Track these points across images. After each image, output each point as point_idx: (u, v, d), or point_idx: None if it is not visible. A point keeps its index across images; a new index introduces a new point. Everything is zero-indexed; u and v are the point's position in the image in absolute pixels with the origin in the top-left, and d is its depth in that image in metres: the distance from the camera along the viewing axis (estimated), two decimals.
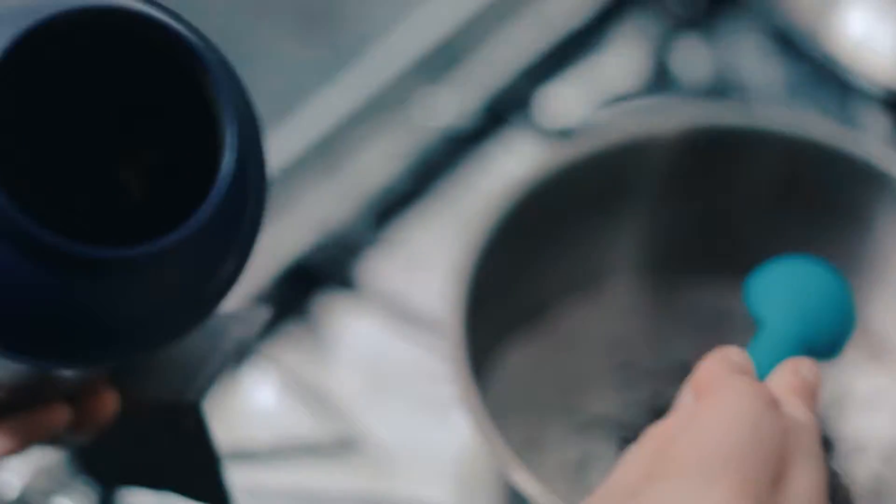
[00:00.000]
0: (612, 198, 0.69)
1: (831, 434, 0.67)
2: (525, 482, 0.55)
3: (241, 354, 0.45)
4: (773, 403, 0.39)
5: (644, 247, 0.71)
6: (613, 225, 0.70)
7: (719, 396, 0.39)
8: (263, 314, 0.56)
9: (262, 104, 0.76)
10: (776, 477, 0.37)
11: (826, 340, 0.50)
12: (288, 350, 0.73)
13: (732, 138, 0.68)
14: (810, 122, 0.77)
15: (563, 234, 0.68)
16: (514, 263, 0.67)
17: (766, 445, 0.37)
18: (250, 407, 0.71)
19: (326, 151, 0.77)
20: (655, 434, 0.40)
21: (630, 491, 0.38)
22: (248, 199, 0.38)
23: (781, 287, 0.51)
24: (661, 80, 0.83)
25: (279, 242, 0.75)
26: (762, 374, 0.45)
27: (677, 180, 0.69)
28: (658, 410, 0.68)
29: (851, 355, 0.70)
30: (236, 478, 0.67)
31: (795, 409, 0.40)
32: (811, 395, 0.42)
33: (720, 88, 0.83)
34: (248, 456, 0.69)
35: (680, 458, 0.38)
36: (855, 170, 0.66)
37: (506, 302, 0.68)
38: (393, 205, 0.78)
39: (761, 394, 0.39)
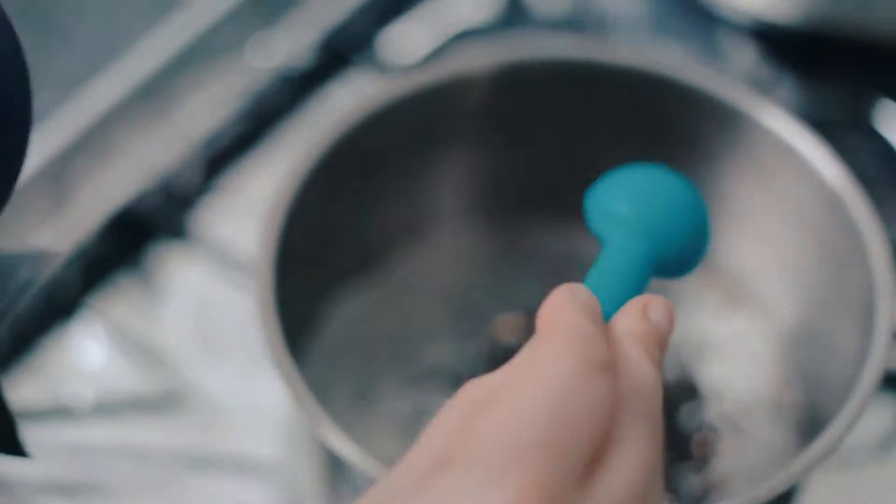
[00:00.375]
0: (443, 136, 0.65)
1: (694, 382, 0.65)
2: (335, 440, 0.52)
3: (23, 296, 0.42)
4: (605, 366, 0.35)
5: (482, 188, 0.68)
6: (446, 165, 0.67)
7: (547, 350, 0.35)
8: (49, 255, 0.53)
9: (86, 47, 0.74)
10: (595, 457, 0.33)
11: (677, 256, 0.46)
12: (115, 302, 0.70)
13: (571, 72, 0.65)
14: (659, 56, 0.75)
15: (391, 174, 0.65)
16: (341, 206, 0.64)
17: (585, 426, 0.33)
18: (74, 362, 0.68)
19: (154, 95, 0.73)
20: (472, 393, 0.35)
21: (414, 483, 0.32)
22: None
23: (624, 199, 0.46)
24: (514, 13, 0.80)
25: (105, 190, 0.71)
26: (608, 309, 0.40)
27: (513, 118, 0.66)
28: (497, 361, 0.66)
29: (709, 300, 0.67)
30: (58, 436, 0.65)
31: (638, 364, 0.36)
32: (659, 342, 0.38)
33: (578, 21, 0.80)
34: (71, 413, 0.66)
35: (479, 437, 0.33)
36: (706, 106, 0.63)
37: (336, 247, 0.65)
38: (226, 150, 0.74)
39: (592, 354, 0.35)
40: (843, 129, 0.77)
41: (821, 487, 0.64)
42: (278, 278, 0.56)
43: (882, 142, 0.76)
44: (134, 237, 0.71)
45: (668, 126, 0.64)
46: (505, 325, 0.67)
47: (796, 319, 0.64)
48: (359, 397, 0.64)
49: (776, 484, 0.52)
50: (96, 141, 0.71)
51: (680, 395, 0.64)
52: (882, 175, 0.76)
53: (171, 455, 0.65)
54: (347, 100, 0.76)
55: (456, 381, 0.65)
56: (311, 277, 0.64)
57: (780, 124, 0.61)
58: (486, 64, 0.64)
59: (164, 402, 0.66)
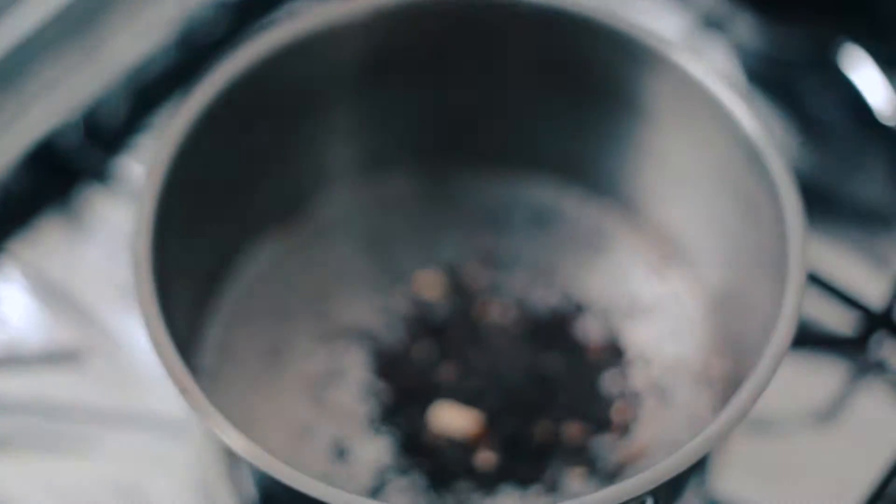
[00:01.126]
0: (357, 78, 0.62)
1: (620, 345, 0.63)
2: (197, 404, 0.50)
3: None
4: None
5: (403, 135, 0.65)
6: (364, 109, 0.64)
7: None
8: None
9: None
10: None
11: None
12: (33, 246, 0.68)
13: (481, 13, 0.61)
14: None
15: (302, 118, 0.62)
16: (250, 155, 0.61)
17: None
18: None
19: (80, 25, 0.70)
20: None
21: None
22: None
23: None
24: None
25: (26, 127, 0.69)
26: None
27: (431, 59, 0.63)
28: (416, 319, 0.63)
29: (640, 260, 0.65)
30: None
31: None
32: None
33: None
34: None
35: None
36: (626, 50, 0.60)
37: (248, 197, 0.63)
38: (155, 84, 0.72)
39: None
40: (806, 70, 0.73)
41: (757, 457, 0.62)
42: (161, 230, 0.54)
43: (846, 84, 0.72)
44: (55, 177, 0.69)
45: (588, 72, 0.61)
46: (426, 281, 0.64)
47: (723, 281, 0.61)
48: (272, 354, 0.62)
49: (687, 453, 0.49)
50: (12, 70, 0.68)
51: (605, 358, 0.62)
52: (845, 118, 0.72)
53: (82, 409, 0.63)
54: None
55: (372, 340, 0.62)
56: (223, 229, 0.62)
57: (703, 74, 0.58)
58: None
59: (79, 354, 0.64)
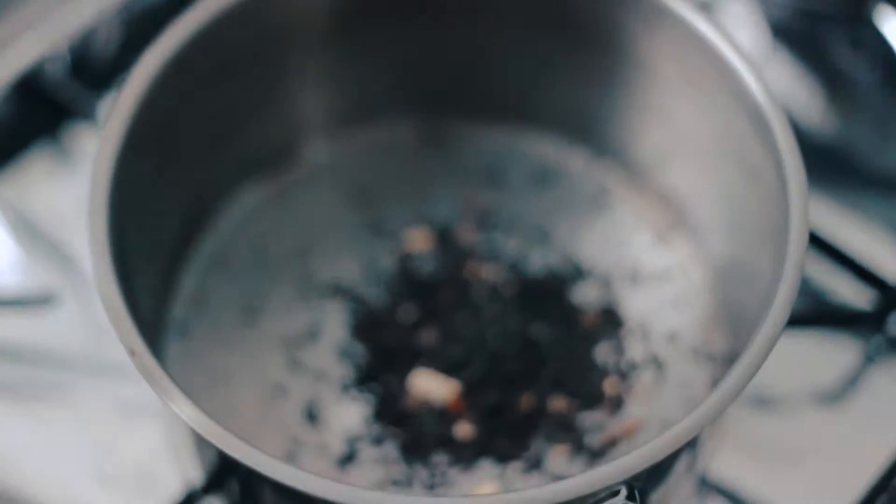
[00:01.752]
0: (354, 22, 0.59)
1: (619, 314, 0.59)
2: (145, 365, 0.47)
3: None
4: None
5: (398, 82, 0.62)
6: (356, 55, 0.60)
7: None
8: None
9: None
10: None
11: None
12: (17, 186, 0.65)
13: None
14: None
15: (287, 64, 0.59)
16: (234, 95, 0.58)
17: None
18: None
19: None
20: None
21: None
22: None
23: None
24: None
25: (13, 59, 0.66)
26: None
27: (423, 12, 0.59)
28: (402, 281, 0.60)
29: (645, 227, 0.61)
30: None
31: None
32: None
33: None
34: None
35: None
36: (632, 2, 0.56)
37: (232, 142, 0.60)
38: (150, 17, 0.68)
39: None
40: (837, 24, 0.68)
41: (758, 438, 0.58)
42: (124, 171, 0.51)
43: (880, 42, 0.67)
44: (42, 113, 0.66)
45: (591, 24, 0.57)
46: (415, 239, 0.61)
47: (727, 250, 0.58)
48: (247, 309, 0.59)
49: (673, 436, 0.46)
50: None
51: (601, 328, 0.58)
52: (875, 79, 0.68)
53: (55, 355, 0.61)
54: None
55: (353, 299, 0.59)
56: (201, 174, 0.59)
57: (710, 33, 0.54)
58: None
59: (55, 298, 0.61)
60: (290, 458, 0.55)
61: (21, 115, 0.66)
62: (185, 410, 0.46)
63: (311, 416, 0.56)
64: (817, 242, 0.59)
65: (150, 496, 0.57)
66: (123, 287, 0.49)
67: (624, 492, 0.46)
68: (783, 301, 0.48)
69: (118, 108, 0.52)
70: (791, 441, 0.59)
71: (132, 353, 0.47)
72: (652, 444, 0.45)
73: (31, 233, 0.64)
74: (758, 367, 0.47)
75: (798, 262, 0.49)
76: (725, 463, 0.58)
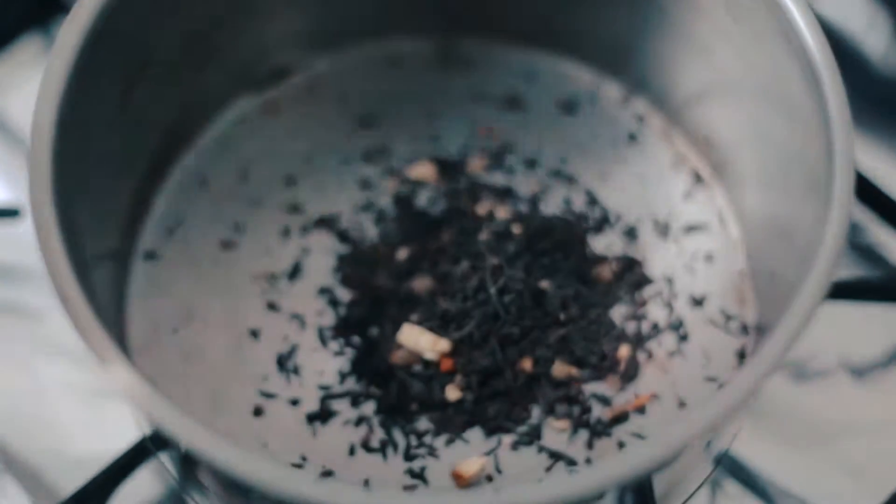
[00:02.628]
0: None
1: (643, 270, 0.52)
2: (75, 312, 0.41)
3: None
4: None
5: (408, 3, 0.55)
6: None
7: None
8: None
9: None
10: None
11: None
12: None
13: None
14: None
15: None
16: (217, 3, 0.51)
17: None
18: None
19: None
20: None
21: None
22: None
23: None
24: None
25: None
26: None
27: None
28: (400, 221, 0.53)
29: (682, 176, 0.54)
30: None
31: None
32: None
33: None
34: None
35: None
36: None
37: (220, 56, 0.53)
38: None
39: None
40: None
41: (788, 413, 0.52)
42: (84, 84, 0.45)
43: None
44: (31, 3, 0.60)
45: None
46: (420, 173, 0.54)
47: (766, 204, 0.51)
48: (225, 241, 0.53)
49: (679, 437, 0.40)
50: None
51: (623, 285, 0.52)
52: None
53: (19, 270, 0.55)
54: None
55: (343, 238, 0.53)
56: (190, 86, 0.53)
57: None
58: None
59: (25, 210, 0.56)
60: (257, 412, 0.49)
61: (11, 4, 0.60)
62: (119, 374, 0.40)
63: (284, 365, 0.50)
64: (866, 194, 0.52)
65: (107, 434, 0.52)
66: (64, 220, 0.43)
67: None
68: (825, 264, 0.41)
69: (73, 17, 0.45)
70: (822, 418, 0.52)
71: (64, 298, 0.41)
72: (665, 438, 0.39)
73: (9, 136, 0.58)
74: (792, 341, 0.41)
75: (842, 218, 0.42)
76: (749, 438, 0.51)
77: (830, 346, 0.53)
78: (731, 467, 0.51)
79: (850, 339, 0.53)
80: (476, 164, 0.54)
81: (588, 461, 0.48)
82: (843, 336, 0.53)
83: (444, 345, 0.49)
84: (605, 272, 0.52)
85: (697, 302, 0.51)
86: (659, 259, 0.52)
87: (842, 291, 0.51)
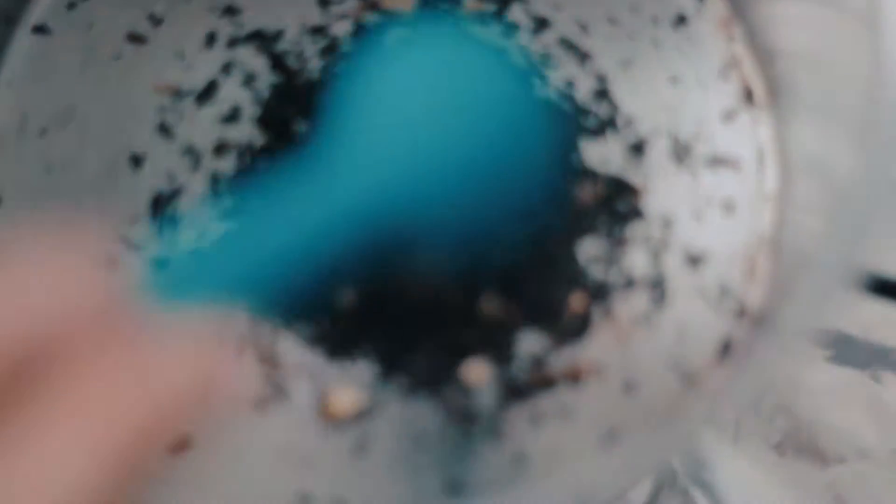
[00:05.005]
0: None
1: (640, 197, 0.40)
2: None
3: None
4: None
5: None
6: None
7: None
8: None
9: None
10: None
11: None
12: None
13: None
14: None
15: None
16: None
17: None
18: None
19: None
20: None
21: None
22: None
23: None
24: None
25: None
26: None
27: None
28: (356, 48, 0.42)
29: (731, 81, 0.41)
30: None
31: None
32: None
33: None
34: None
35: None
36: None
37: None
38: None
39: None
40: None
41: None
42: None
43: None
44: None
45: None
46: (393, 2, 0.42)
47: (815, 141, 0.38)
48: (130, 34, 0.42)
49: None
50: None
51: (605, 211, 0.40)
52: None
53: None
54: None
55: (275, 63, 0.41)
56: None
57: None
58: None
59: None
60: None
61: None
62: None
63: (159, 211, 0.40)
64: None
65: None
66: None
67: None
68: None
69: None
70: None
71: None
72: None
73: None
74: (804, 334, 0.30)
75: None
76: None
77: None
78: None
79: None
80: (470, 4, 0.42)
81: (489, 430, 0.37)
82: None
83: None
84: (587, 192, 0.40)
85: (693, 261, 0.39)
86: (663, 191, 0.40)
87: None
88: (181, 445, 0.35)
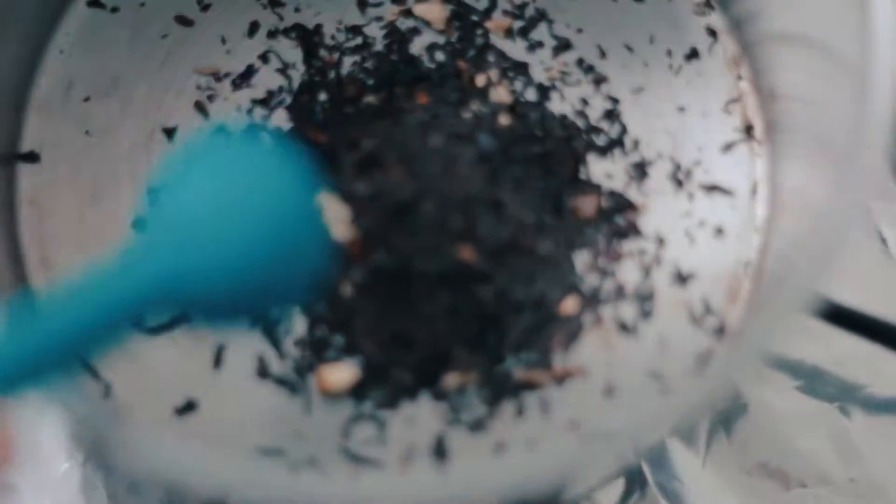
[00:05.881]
0: None
1: (635, 213, 0.43)
2: None
3: None
4: None
5: None
6: None
7: None
8: None
9: None
10: None
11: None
12: None
13: None
14: None
15: None
16: None
17: None
18: None
19: None
20: None
21: None
22: None
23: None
24: None
25: None
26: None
27: None
28: (378, 68, 0.44)
29: (734, 115, 0.43)
30: None
31: None
32: None
33: None
34: None
35: None
36: None
37: None
38: None
39: None
40: None
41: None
42: None
43: None
44: None
45: None
46: (424, 12, 0.45)
47: (807, 199, 0.40)
48: (179, 21, 0.45)
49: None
50: None
51: (602, 227, 0.42)
52: None
53: None
54: None
55: (309, 55, 0.44)
56: None
57: None
58: None
59: None
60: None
61: None
62: None
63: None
64: None
65: None
66: None
67: None
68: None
69: None
70: None
71: None
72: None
73: None
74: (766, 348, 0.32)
75: None
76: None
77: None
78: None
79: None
80: (498, 23, 0.44)
81: (478, 425, 0.40)
82: None
83: (351, 230, 0.41)
84: (589, 206, 0.42)
85: (681, 278, 0.42)
86: (660, 211, 0.42)
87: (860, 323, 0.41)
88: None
